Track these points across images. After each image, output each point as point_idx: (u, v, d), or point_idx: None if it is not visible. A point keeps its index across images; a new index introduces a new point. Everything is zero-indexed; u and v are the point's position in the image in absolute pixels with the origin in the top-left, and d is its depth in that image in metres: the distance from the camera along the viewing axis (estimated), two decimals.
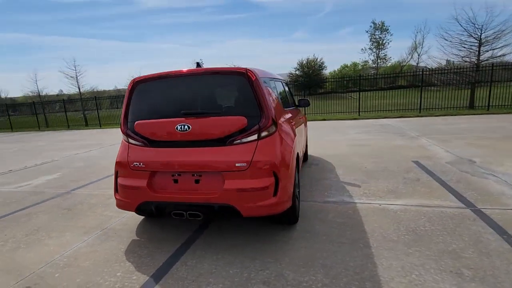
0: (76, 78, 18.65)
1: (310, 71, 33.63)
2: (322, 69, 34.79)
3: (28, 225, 3.36)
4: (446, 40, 13.39)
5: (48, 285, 2.21)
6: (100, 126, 17.10)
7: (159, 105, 2.64)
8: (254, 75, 2.48)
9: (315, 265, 2.27)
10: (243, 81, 2.47)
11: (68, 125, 17.99)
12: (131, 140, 2.71)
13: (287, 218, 2.80)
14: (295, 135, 3.10)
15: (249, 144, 2.43)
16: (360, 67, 39.13)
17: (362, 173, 4.54)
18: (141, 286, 2.12)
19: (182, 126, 2.47)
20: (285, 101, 3.67)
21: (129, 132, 2.71)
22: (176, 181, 2.55)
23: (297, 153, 3.08)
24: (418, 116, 11.94)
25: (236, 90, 2.51)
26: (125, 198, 2.66)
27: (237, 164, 2.38)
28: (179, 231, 2.96)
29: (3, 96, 49.19)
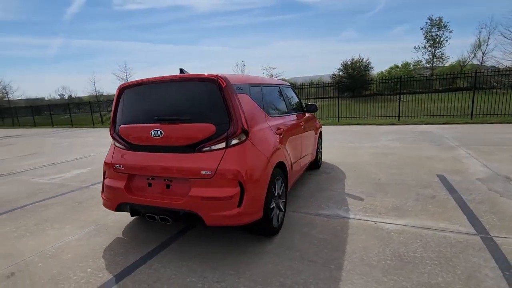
0: (126, 79, 20.34)
1: (355, 72, 32.15)
2: (368, 70, 32.97)
3: (42, 215, 3.74)
4: (506, 38, 11.74)
5: (29, 273, 2.43)
6: None
7: (139, 110, 2.73)
8: (225, 81, 2.44)
9: (273, 283, 2.15)
10: (213, 88, 2.45)
11: None
12: (116, 143, 2.86)
13: (261, 230, 2.70)
14: (280, 143, 2.98)
15: (217, 152, 2.39)
16: (412, 67, 36.26)
17: (373, 185, 4.19)
18: (100, 285, 2.22)
19: (156, 132, 2.53)
20: (280, 107, 3.55)
21: (115, 135, 2.86)
22: (150, 184, 2.62)
23: (282, 162, 2.96)
24: (468, 122, 10.67)
25: (207, 96, 2.49)
26: (107, 198, 2.81)
27: (202, 172, 2.37)
28: (162, 232, 3.03)
29: (73, 95, 55.89)
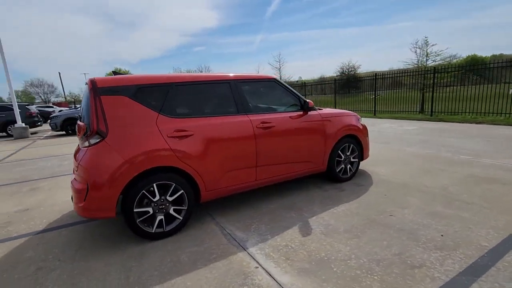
0: (279, 68, 22.12)
1: None
2: None
3: None
4: None
5: (16, 219, 3.54)
6: None
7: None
8: (91, 84, 2.59)
9: (74, 276, 2.25)
10: (87, 90, 2.66)
11: None
12: None
13: (132, 231, 2.71)
14: (176, 146, 2.74)
15: (84, 149, 2.64)
16: None
17: (359, 221, 2.92)
18: (24, 233, 3.08)
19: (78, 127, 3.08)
20: (210, 107, 3.15)
21: None
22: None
23: (176, 167, 2.74)
24: None
25: (87, 98, 2.71)
26: None
27: (75, 164, 2.70)
28: None
29: None
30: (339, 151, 3.99)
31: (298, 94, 3.76)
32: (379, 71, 15.84)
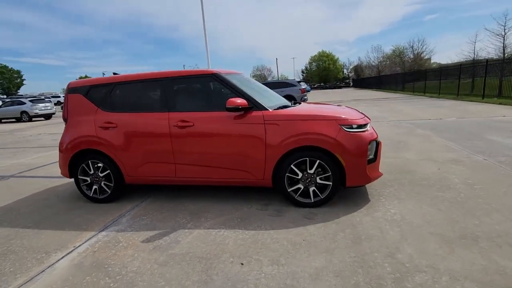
0: (504, 36, 15.25)
1: None
2: None
3: None
4: None
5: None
6: (482, 97, 13.30)
7: None
8: (67, 85, 3.66)
9: None
10: None
11: (458, 94, 15.84)
12: None
13: (79, 190, 3.71)
14: (102, 135, 3.38)
15: None
16: None
17: (202, 254, 2.38)
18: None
19: None
20: (142, 103, 3.48)
21: None
22: None
23: (99, 150, 3.43)
24: None
25: None
26: None
27: None
28: None
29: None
30: (292, 166, 3.03)
31: (243, 91, 3.17)
32: None
